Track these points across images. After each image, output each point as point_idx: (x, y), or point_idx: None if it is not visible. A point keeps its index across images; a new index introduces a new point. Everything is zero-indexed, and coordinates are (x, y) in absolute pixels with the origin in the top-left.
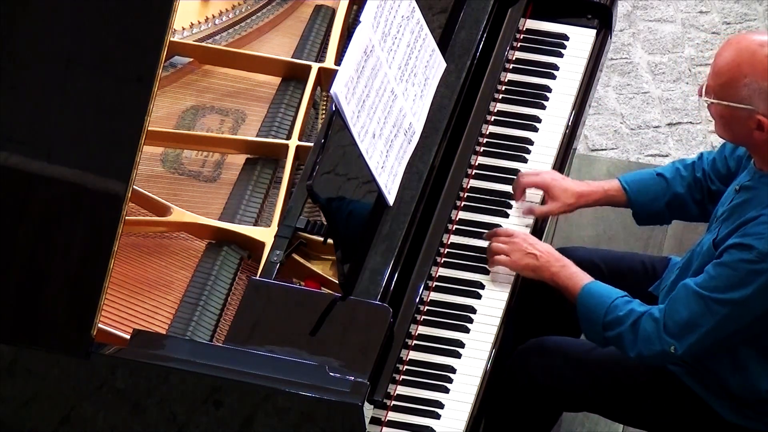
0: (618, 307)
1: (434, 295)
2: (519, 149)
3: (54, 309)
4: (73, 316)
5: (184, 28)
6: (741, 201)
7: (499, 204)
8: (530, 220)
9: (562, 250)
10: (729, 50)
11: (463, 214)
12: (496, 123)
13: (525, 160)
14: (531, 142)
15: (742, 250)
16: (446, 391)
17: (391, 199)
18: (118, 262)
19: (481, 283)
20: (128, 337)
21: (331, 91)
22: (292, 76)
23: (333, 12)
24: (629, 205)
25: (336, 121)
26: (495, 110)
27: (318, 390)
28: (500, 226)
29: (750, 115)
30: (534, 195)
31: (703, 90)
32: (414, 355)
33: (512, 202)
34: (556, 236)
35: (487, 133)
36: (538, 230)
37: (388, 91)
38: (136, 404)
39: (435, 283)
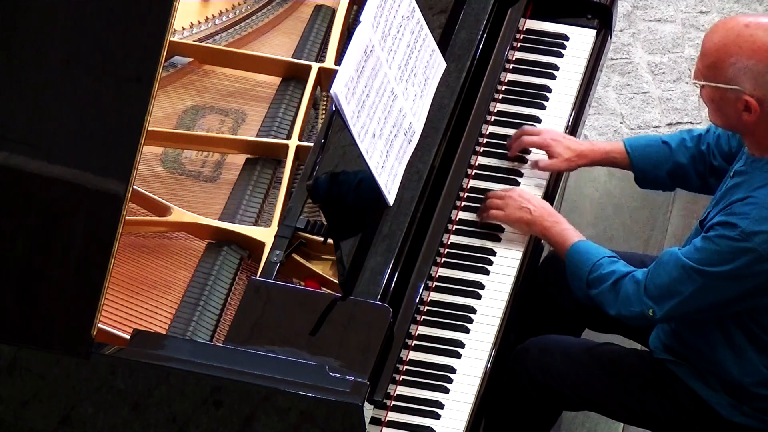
0: (602, 266)
1: (434, 295)
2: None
3: (54, 309)
4: (73, 316)
5: (184, 28)
6: (733, 185)
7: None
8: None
9: None
10: (716, 32)
11: (463, 214)
12: (496, 123)
13: (525, 160)
14: None
15: (726, 228)
16: (446, 391)
17: (391, 199)
18: (118, 262)
19: (481, 283)
20: (128, 337)
21: (331, 91)
22: (292, 76)
23: (333, 12)
24: (631, 169)
25: (336, 121)
26: (495, 110)
27: (318, 390)
28: (501, 225)
29: (738, 96)
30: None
31: (693, 74)
32: (414, 355)
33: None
34: (568, 223)
35: (487, 133)
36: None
37: (388, 91)
38: (136, 404)
39: (435, 283)
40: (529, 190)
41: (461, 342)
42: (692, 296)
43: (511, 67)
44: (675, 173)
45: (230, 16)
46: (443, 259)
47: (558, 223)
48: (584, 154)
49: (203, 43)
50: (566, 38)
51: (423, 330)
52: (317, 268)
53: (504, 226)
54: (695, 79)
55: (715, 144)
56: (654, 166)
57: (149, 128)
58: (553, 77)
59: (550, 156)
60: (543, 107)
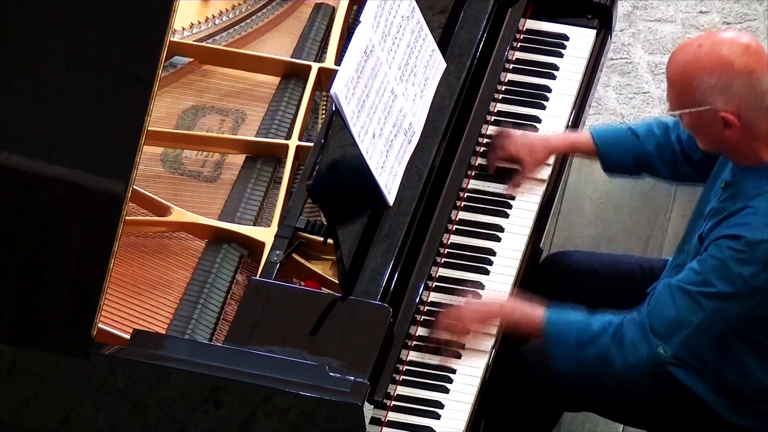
0: (590, 324)
1: (434, 295)
2: None
3: (54, 309)
4: (73, 316)
5: (184, 28)
6: (727, 196)
7: (499, 204)
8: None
9: (560, 254)
10: (673, 60)
11: (463, 214)
12: (496, 123)
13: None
14: None
15: (731, 240)
16: (446, 391)
17: (391, 199)
18: (118, 262)
19: (481, 283)
20: (128, 337)
21: (331, 91)
22: (292, 75)
23: (333, 10)
24: (597, 156)
25: (336, 121)
26: (495, 110)
27: (318, 390)
28: (500, 226)
29: (713, 115)
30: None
31: (667, 107)
32: (414, 355)
33: (512, 202)
34: (556, 236)
35: (487, 133)
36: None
37: (388, 91)
38: (136, 404)
39: (435, 283)
40: (530, 189)
41: (461, 342)
42: (703, 323)
43: (511, 67)
44: (641, 161)
45: (230, 16)
46: (443, 259)
47: (515, 310)
48: (551, 146)
49: (203, 43)
50: (566, 38)
51: (423, 330)
52: (317, 268)
53: (504, 225)
54: (670, 111)
55: (688, 137)
56: (621, 153)
57: (149, 128)
58: (553, 77)
59: (521, 162)
60: (543, 107)
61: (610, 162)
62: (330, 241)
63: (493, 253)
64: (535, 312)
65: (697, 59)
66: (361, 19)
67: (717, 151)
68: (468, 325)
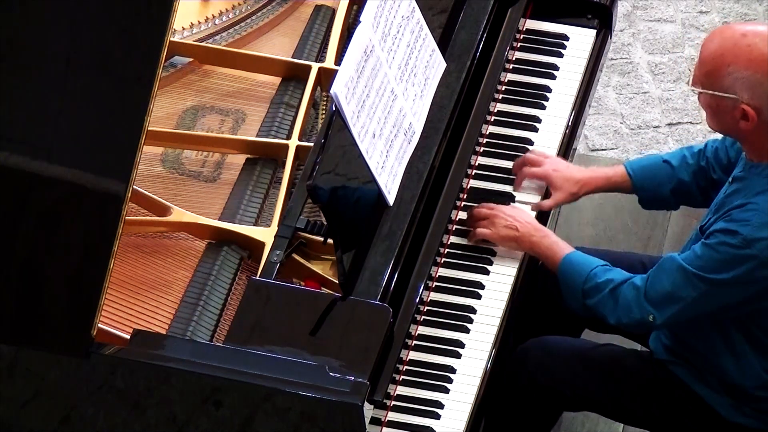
0: (597, 275)
1: (434, 295)
2: (519, 149)
3: (54, 309)
4: (73, 316)
5: (184, 28)
6: (732, 191)
7: (500, 204)
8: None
9: None
10: (714, 40)
11: (463, 214)
12: (496, 123)
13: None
14: (531, 142)
15: (727, 235)
16: (446, 391)
17: (391, 199)
18: (118, 262)
19: (481, 283)
20: (128, 337)
21: (331, 91)
22: (292, 76)
23: (333, 12)
24: (634, 192)
25: (336, 121)
26: (495, 110)
27: (318, 390)
28: None
29: (734, 104)
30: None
31: (691, 80)
32: (414, 355)
33: (512, 203)
34: (556, 236)
35: (487, 133)
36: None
37: (388, 91)
38: (136, 404)
39: (435, 283)
40: (528, 193)
41: (461, 342)
42: (694, 302)
43: (511, 67)
44: (679, 191)
45: (230, 16)
46: (443, 259)
47: (546, 237)
48: (586, 182)
49: (203, 43)
50: (566, 38)
51: (423, 330)
52: (317, 268)
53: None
54: (693, 85)
55: (714, 157)
56: (657, 186)
57: (149, 128)
58: (553, 77)
59: (552, 188)
60: (543, 107)
61: (647, 195)
62: (330, 241)
63: (494, 253)
64: (560, 248)
65: (736, 47)
66: (361, 19)
67: (724, 134)
68: (500, 217)
